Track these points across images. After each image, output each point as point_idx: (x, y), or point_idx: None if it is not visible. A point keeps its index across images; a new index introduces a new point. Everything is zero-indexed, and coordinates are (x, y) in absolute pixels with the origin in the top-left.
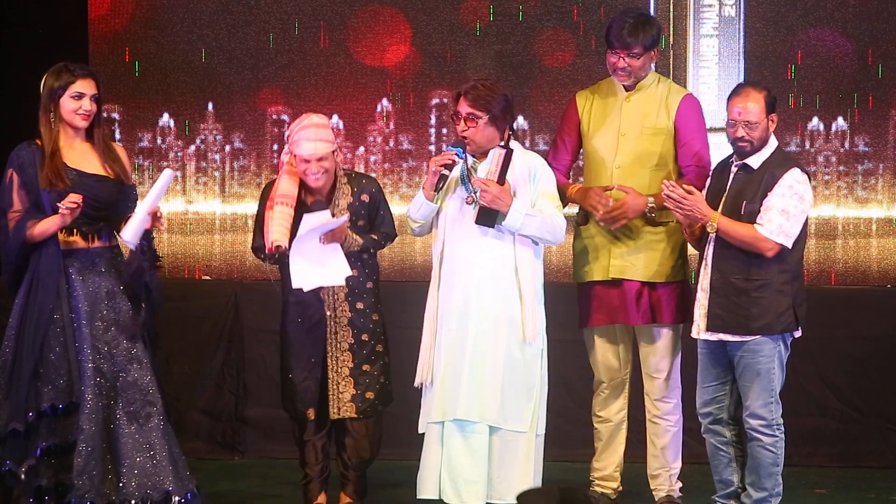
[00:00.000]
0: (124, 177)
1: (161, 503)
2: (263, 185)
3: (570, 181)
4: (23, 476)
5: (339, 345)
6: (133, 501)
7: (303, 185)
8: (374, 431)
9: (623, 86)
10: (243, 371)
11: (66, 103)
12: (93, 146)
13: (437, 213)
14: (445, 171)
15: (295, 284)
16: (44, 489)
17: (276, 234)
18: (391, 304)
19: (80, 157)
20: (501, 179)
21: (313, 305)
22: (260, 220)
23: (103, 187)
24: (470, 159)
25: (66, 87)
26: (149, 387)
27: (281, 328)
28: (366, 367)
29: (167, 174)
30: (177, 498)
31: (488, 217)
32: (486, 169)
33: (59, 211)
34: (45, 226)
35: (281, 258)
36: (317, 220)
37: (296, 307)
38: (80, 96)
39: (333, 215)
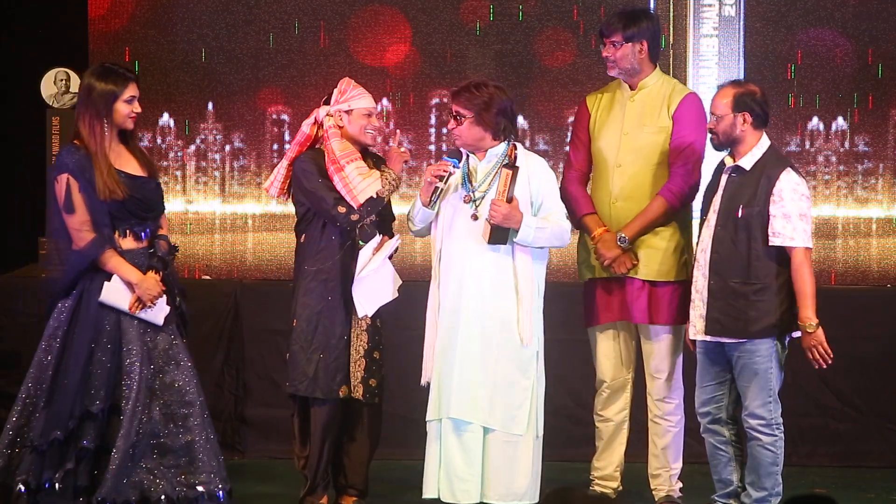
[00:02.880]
0: (156, 175)
1: (193, 501)
2: (290, 160)
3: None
4: (58, 485)
5: (359, 324)
6: (166, 498)
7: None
8: (376, 424)
9: (628, 85)
10: (243, 371)
11: (122, 108)
12: (127, 147)
13: (437, 213)
14: (440, 184)
15: (360, 314)
16: (82, 490)
17: (371, 187)
18: (392, 303)
19: (120, 158)
20: (510, 198)
21: (344, 283)
22: (311, 187)
23: (149, 188)
24: (471, 158)
25: (121, 92)
26: (186, 387)
27: (306, 309)
28: (376, 354)
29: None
30: (210, 496)
31: (500, 235)
32: (485, 169)
33: (143, 295)
34: (120, 268)
35: (366, 211)
36: (370, 251)
37: (325, 284)
38: (132, 99)
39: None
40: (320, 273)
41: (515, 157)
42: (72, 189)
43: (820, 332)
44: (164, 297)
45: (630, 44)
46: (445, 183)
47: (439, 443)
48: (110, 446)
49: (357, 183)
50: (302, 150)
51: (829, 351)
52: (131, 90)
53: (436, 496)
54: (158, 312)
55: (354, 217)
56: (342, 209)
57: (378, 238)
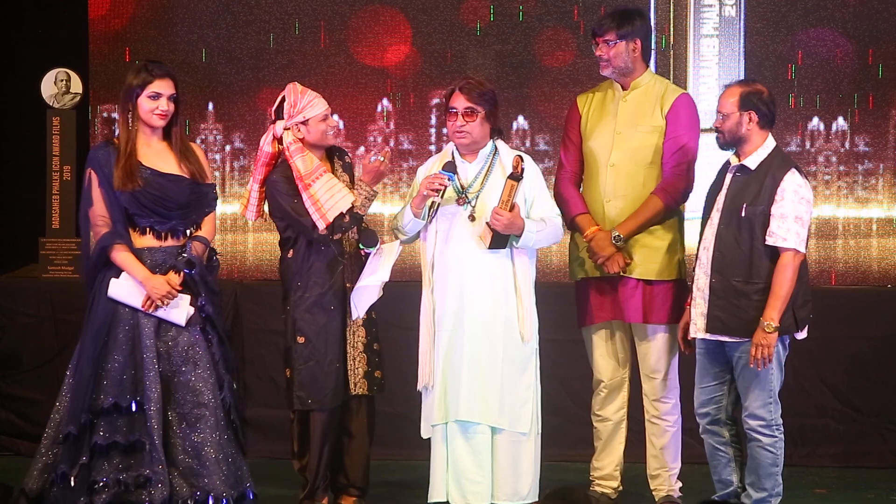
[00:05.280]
0: (200, 176)
1: None
2: (261, 182)
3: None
4: (73, 478)
5: (354, 320)
6: (177, 499)
7: None
8: (372, 417)
9: (620, 85)
10: (243, 371)
11: (144, 103)
12: (169, 145)
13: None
14: (437, 198)
15: (354, 316)
16: (100, 484)
17: (342, 202)
18: (391, 303)
19: (157, 156)
20: (512, 207)
21: (342, 292)
22: (289, 207)
23: (177, 187)
24: (458, 160)
25: (143, 87)
26: (201, 389)
27: (313, 325)
28: (376, 346)
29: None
30: (224, 500)
31: (501, 241)
32: (475, 170)
33: (151, 294)
34: (128, 264)
35: (341, 228)
36: (379, 258)
37: (324, 297)
38: (157, 96)
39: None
40: (316, 287)
41: (523, 170)
42: (92, 183)
43: (774, 336)
44: (188, 297)
45: (624, 42)
46: (442, 197)
47: (446, 446)
48: (143, 443)
49: (325, 201)
50: (269, 169)
51: (772, 358)
52: (157, 86)
53: (444, 500)
54: (174, 311)
55: (336, 236)
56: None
57: (380, 242)
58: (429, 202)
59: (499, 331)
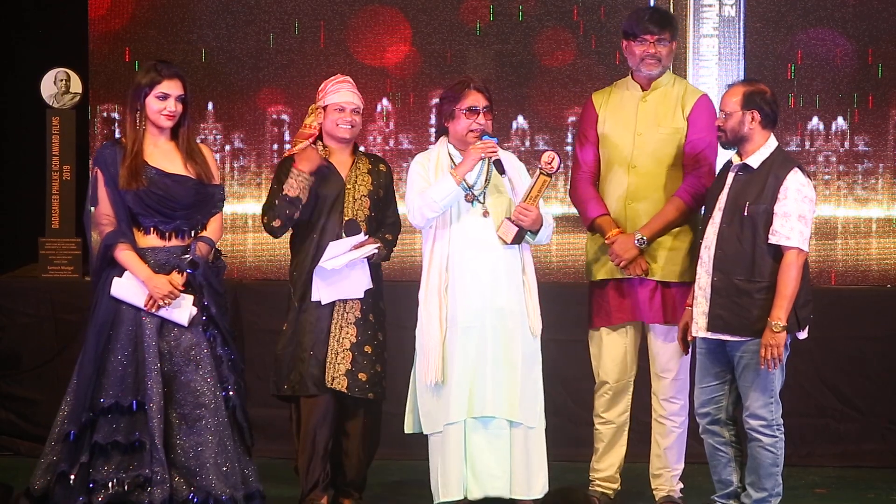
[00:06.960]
0: (206, 177)
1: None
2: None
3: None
4: (72, 477)
5: (346, 315)
6: (166, 499)
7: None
8: (371, 421)
9: (639, 85)
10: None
11: (152, 103)
12: (177, 146)
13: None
14: (498, 156)
15: (314, 297)
16: (99, 484)
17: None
18: (391, 304)
19: (163, 156)
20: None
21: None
22: (274, 192)
23: (181, 187)
24: (457, 157)
25: (151, 87)
26: (202, 390)
27: (291, 312)
28: (367, 349)
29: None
30: (224, 498)
31: (521, 236)
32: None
33: (153, 293)
34: (131, 263)
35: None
36: (348, 246)
37: (304, 283)
38: (165, 97)
39: (364, 234)
40: (299, 275)
41: (558, 167)
42: (98, 182)
43: (782, 335)
44: (191, 297)
45: (674, 42)
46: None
47: (464, 443)
48: (143, 443)
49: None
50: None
51: (782, 358)
52: (165, 87)
53: (461, 497)
54: (177, 311)
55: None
56: (263, 218)
57: (362, 236)
58: (487, 162)
59: (516, 326)
